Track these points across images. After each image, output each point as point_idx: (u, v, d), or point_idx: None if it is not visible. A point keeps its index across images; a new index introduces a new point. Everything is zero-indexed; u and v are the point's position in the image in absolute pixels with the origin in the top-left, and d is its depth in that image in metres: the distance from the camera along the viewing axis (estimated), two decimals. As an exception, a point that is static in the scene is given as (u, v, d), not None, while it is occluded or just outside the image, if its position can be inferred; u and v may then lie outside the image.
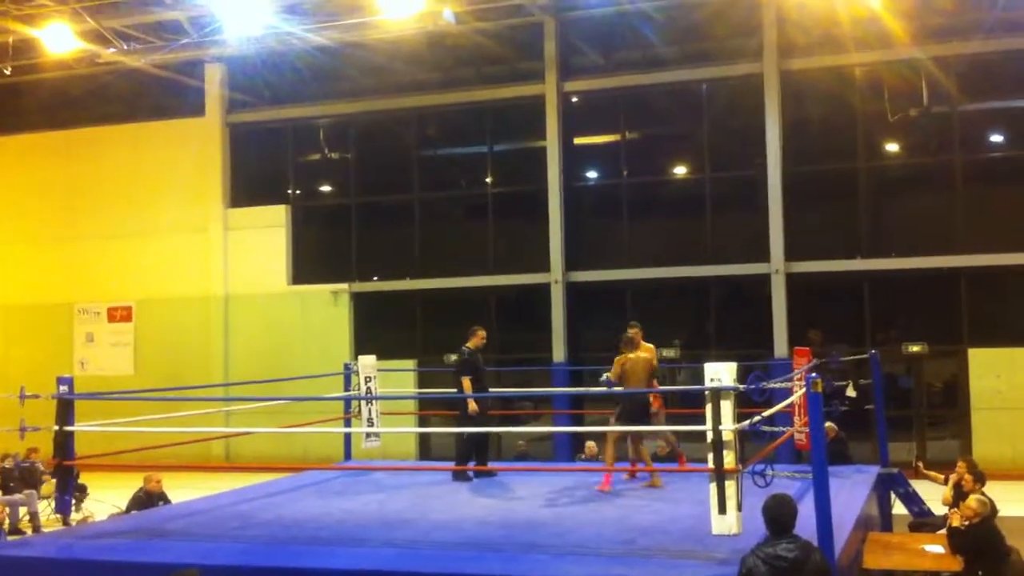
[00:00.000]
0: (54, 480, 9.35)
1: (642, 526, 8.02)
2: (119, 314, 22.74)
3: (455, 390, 11.04)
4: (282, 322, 21.42)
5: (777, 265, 18.40)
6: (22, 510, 14.31)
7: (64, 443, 8.58)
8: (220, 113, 22.25)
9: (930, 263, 17.91)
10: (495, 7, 18.91)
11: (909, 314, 18.74)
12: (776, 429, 8.83)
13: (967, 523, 8.73)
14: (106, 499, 13.99)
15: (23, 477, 14.53)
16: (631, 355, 9.97)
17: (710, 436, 6.74)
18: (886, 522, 11.11)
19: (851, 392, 14.71)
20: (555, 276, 19.64)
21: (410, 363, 19.57)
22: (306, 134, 22.37)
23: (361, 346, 19.95)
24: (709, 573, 6.44)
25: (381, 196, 21.68)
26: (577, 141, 20.49)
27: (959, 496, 9.74)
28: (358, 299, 21.26)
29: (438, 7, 17.69)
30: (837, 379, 13.60)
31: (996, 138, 18.67)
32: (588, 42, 20.43)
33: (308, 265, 21.77)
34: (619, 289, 19.76)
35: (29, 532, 13.76)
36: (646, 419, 9.93)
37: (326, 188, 22.82)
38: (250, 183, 22.47)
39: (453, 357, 14.28)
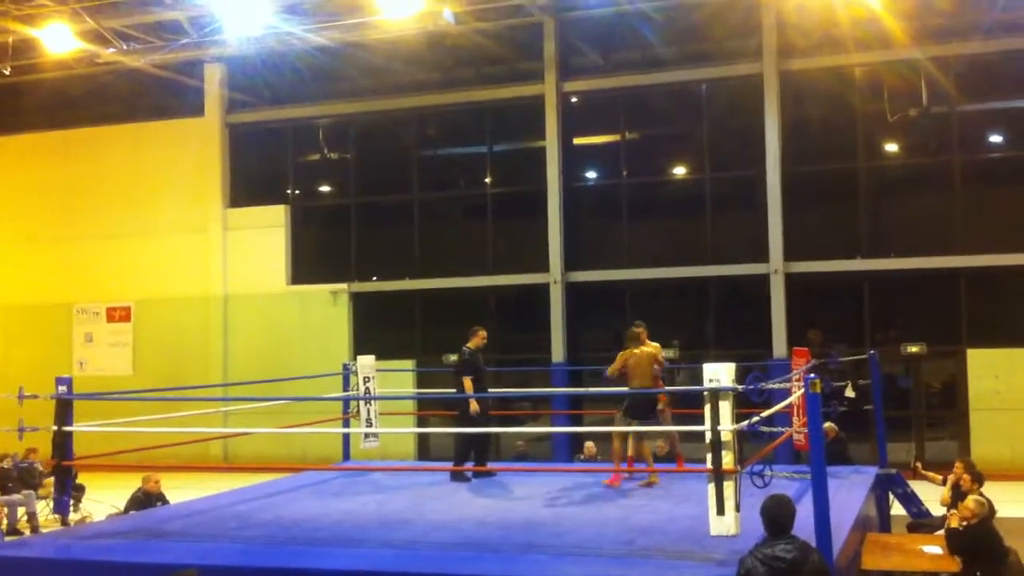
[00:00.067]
0: (53, 480, 9.35)
1: (641, 527, 8.01)
2: (118, 314, 22.74)
3: (455, 390, 11.05)
4: (281, 322, 21.43)
5: (776, 265, 18.41)
6: (20, 510, 14.31)
7: (63, 443, 8.57)
8: (220, 113, 22.25)
9: (929, 263, 17.92)
10: (495, 7, 18.91)
11: (908, 314, 18.75)
12: (775, 430, 8.83)
13: (965, 524, 8.72)
14: (104, 499, 13.98)
15: (21, 477, 14.52)
16: (636, 351, 10.05)
17: (709, 436, 6.74)
18: (884, 523, 11.10)
19: (850, 392, 14.73)
20: (554, 276, 19.65)
21: (409, 363, 19.57)
22: (306, 134, 22.37)
23: (360, 346, 19.96)
24: (707, 574, 6.43)
25: (380, 196, 21.68)
26: (576, 141, 20.50)
27: (957, 497, 9.74)
28: (357, 299, 21.26)
29: (438, 7, 17.69)
30: (836, 379, 13.61)
31: (995, 138, 18.68)
32: (588, 42, 20.44)
33: (307, 265, 21.77)
34: (618, 289, 19.77)
35: (27, 532, 13.75)
36: (652, 415, 9.99)
37: (325, 188, 22.82)
38: (249, 183, 22.47)
39: (452, 357, 14.29)
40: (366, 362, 12.22)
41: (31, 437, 9.10)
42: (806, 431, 8.08)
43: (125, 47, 19.01)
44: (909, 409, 18.40)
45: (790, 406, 9.75)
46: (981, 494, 9.25)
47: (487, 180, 21.15)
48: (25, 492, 14.40)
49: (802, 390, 7.84)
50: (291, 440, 19.47)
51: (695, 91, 19.91)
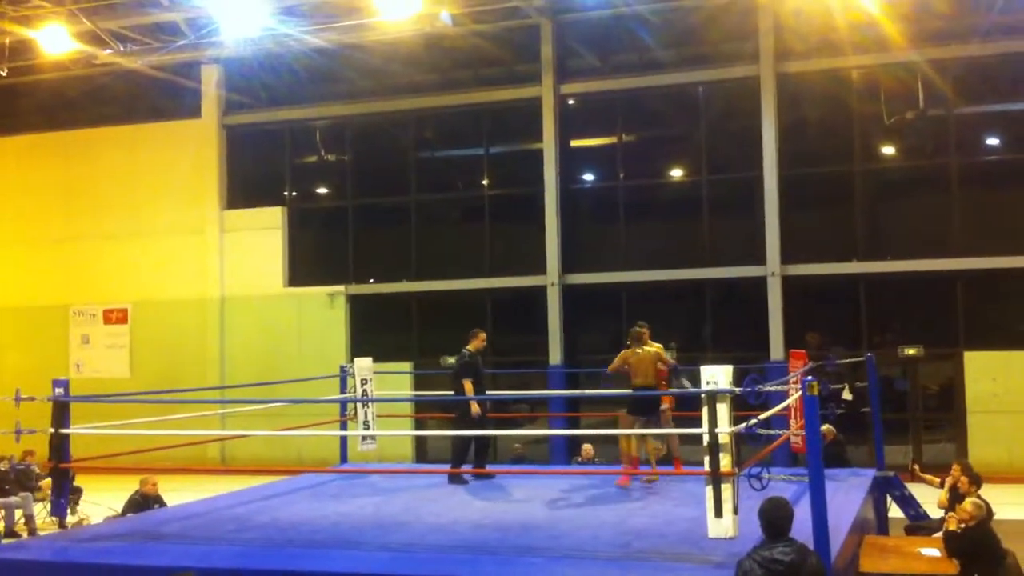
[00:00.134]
0: (50, 482, 9.32)
1: (638, 529, 8.01)
2: (115, 316, 22.71)
3: (454, 392, 11.05)
4: (278, 324, 21.40)
5: (773, 268, 18.42)
6: (17, 513, 14.29)
7: (60, 445, 8.54)
8: (217, 115, 22.23)
9: (926, 266, 17.94)
10: (492, 9, 18.92)
11: (905, 317, 18.77)
12: (772, 432, 8.82)
13: (963, 526, 8.72)
14: (102, 502, 13.96)
15: (19, 480, 14.49)
16: (638, 351, 10.11)
17: (706, 439, 6.74)
18: (882, 525, 11.10)
19: (847, 395, 14.74)
20: (551, 278, 19.64)
21: (406, 365, 19.58)
22: (303, 136, 22.36)
23: (357, 348, 19.93)
24: (705, 576, 6.44)
25: (378, 198, 21.67)
26: (574, 143, 20.50)
27: (955, 499, 9.73)
28: (354, 301, 21.25)
29: (435, 9, 17.69)
30: (833, 382, 13.63)
31: (992, 141, 18.70)
32: (585, 45, 20.44)
33: (304, 267, 21.76)
34: (615, 291, 19.77)
35: (25, 535, 13.72)
36: (656, 413, 10.04)
37: (323, 190, 22.81)
38: (246, 185, 22.46)
39: (450, 359, 14.27)
40: (363, 364, 12.20)
41: (28, 439, 9.08)
42: (804, 433, 8.08)
43: (122, 48, 19.00)
44: (906, 412, 18.41)
45: (788, 408, 9.75)
46: (979, 496, 9.25)
47: (484, 182, 21.15)
48: (22, 494, 14.37)
49: (799, 392, 7.84)
50: (288, 442, 19.45)
51: (692, 94, 19.92)
